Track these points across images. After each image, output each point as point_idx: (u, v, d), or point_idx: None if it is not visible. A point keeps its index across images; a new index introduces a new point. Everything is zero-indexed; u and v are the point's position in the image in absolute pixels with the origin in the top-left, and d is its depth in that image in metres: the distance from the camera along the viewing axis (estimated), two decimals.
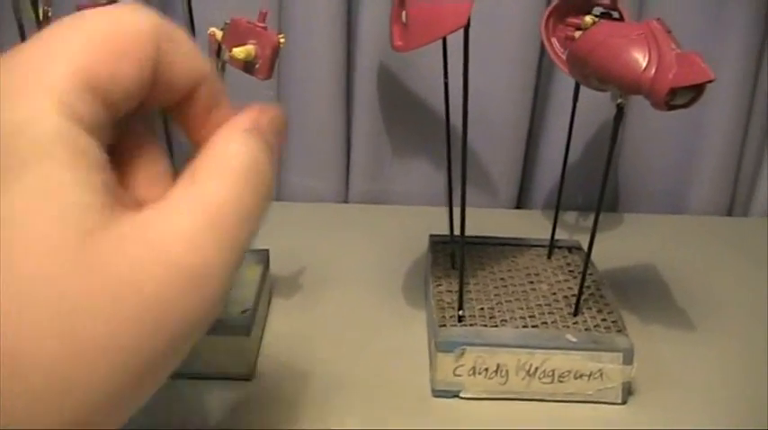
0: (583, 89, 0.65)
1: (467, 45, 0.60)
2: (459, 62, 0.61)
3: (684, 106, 0.54)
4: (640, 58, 0.54)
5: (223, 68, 0.56)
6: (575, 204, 0.92)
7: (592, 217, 0.92)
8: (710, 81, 0.52)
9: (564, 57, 0.68)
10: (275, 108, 0.34)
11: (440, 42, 0.66)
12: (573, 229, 0.88)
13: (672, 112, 0.55)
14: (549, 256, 0.74)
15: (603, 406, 0.61)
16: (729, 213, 0.98)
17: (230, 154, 0.30)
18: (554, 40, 0.68)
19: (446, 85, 0.68)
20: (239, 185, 0.30)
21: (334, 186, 0.96)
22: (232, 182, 0.29)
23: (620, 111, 0.58)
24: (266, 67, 0.54)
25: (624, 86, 0.55)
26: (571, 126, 0.71)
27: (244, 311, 0.63)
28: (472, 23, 0.57)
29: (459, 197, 0.67)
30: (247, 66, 0.54)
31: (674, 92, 0.53)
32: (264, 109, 0.34)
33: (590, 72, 0.57)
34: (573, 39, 0.67)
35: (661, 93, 0.52)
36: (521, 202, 0.98)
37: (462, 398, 0.61)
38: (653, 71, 0.53)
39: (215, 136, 0.31)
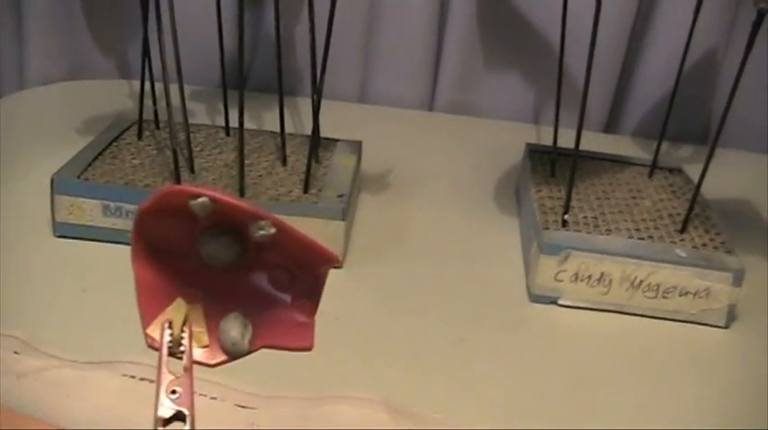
0: (679, 15, 0.63)
1: None
2: None
3: None
4: None
5: None
6: (666, 133, 0.89)
7: (684, 147, 0.90)
8: None
9: None
10: None
11: None
12: (665, 158, 0.84)
13: None
14: (650, 176, 0.71)
15: (705, 328, 0.58)
16: None
17: None
18: None
19: None
20: None
21: (419, 94, 0.94)
22: None
23: (761, 17, 0.55)
24: None
25: None
26: (687, 47, 0.68)
27: (340, 196, 0.60)
28: None
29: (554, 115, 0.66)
30: None
31: None
32: None
33: None
34: None
35: None
36: (609, 127, 0.95)
37: (561, 305, 0.59)
38: None
39: None
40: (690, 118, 0.92)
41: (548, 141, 0.71)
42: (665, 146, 0.88)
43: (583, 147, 0.70)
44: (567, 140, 0.62)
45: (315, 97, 0.62)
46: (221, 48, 0.70)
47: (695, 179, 0.62)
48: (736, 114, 0.92)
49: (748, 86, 0.91)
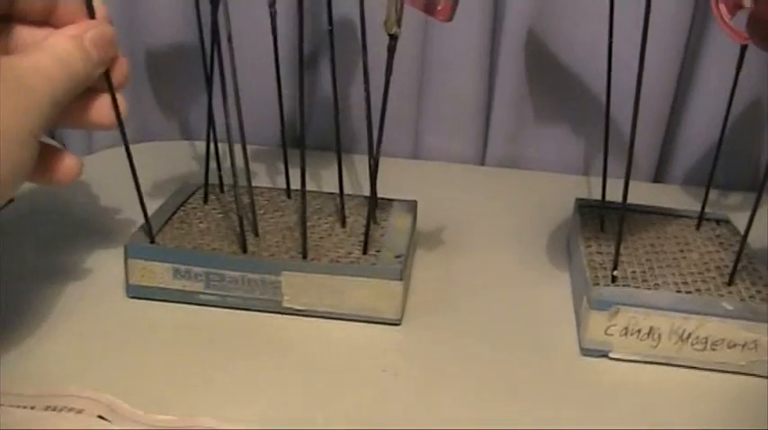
0: (728, 65, 0.66)
1: (612, 14, 0.59)
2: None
3: None
4: None
5: (401, 9, 0.56)
6: (715, 182, 0.90)
7: (732, 195, 0.92)
8: None
9: (731, 24, 0.66)
10: (103, 26, 0.53)
11: (600, 5, 0.66)
12: (713, 207, 0.86)
13: None
14: (697, 227, 0.73)
15: (754, 378, 0.60)
16: None
17: (51, 42, 0.50)
18: (722, 6, 0.67)
19: (610, 45, 0.67)
20: (49, 59, 0.49)
21: (470, 149, 0.96)
22: (45, 55, 0.49)
23: None
24: (449, 8, 0.53)
25: None
26: (731, 97, 0.70)
27: (398, 256, 0.63)
28: None
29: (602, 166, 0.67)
30: (428, 6, 0.54)
31: None
32: (93, 24, 0.53)
33: None
34: (741, 6, 0.66)
35: None
36: (658, 176, 0.97)
37: (611, 358, 0.61)
38: None
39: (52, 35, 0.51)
40: (739, 165, 0.94)
41: (598, 193, 0.73)
42: (714, 194, 0.90)
43: (632, 198, 0.72)
44: (617, 191, 0.64)
45: (371, 163, 0.65)
46: (281, 110, 0.74)
47: (743, 229, 0.64)
48: None
49: None
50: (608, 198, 0.72)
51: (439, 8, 0.54)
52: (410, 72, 0.94)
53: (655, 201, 0.79)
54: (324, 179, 0.84)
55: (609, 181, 0.73)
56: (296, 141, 0.97)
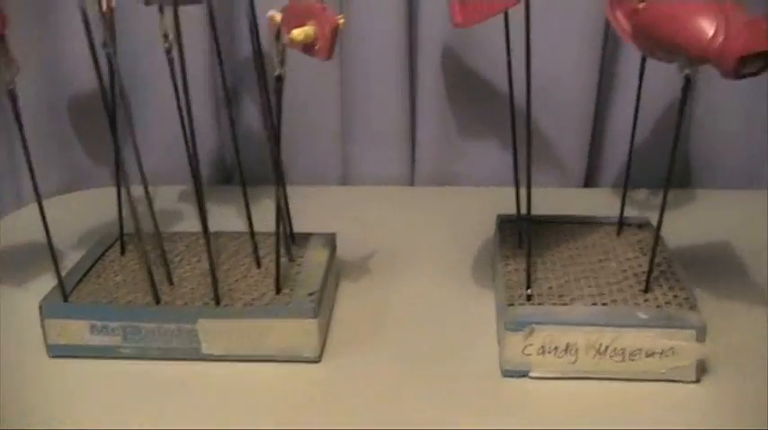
0: (650, 64, 0.64)
1: (528, 21, 0.59)
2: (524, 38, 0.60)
3: (754, 74, 0.52)
4: (707, 26, 0.52)
5: (284, 52, 0.55)
6: (644, 181, 0.90)
7: (662, 194, 0.92)
8: None
9: (629, 30, 0.66)
10: None
11: (503, 20, 0.66)
12: (644, 207, 0.86)
13: (743, 83, 0.53)
14: (618, 234, 0.73)
15: (676, 384, 0.60)
16: None
17: None
18: (619, 13, 0.67)
19: (509, 63, 0.67)
20: None
21: (399, 170, 0.96)
22: None
23: (688, 82, 0.57)
24: (326, 47, 0.53)
25: (691, 56, 0.53)
26: (638, 102, 0.70)
27: (310, 294, 0.63)
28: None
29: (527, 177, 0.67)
30: (307, 47, 0.54)
31: (743, 60, 0.51)
32: None
33: (656, 43, 0.56)
34: (637, 11, 0.66)
35: (729, 61, 0.51)
36: (589, 181, 0.97)
37: (532, 377, 0.61)
38: (720, 39, 0.51)
39: None
40: (666, 163, 0.94)
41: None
42: (644, 194, 0.90)
43: (561, 205, 0.72)
44: (545, 200, 0.63)
45: (278, 203, 0.64)
46: (188, 151, 0.72)
47: (669, 229, 0.63)
48: (713, 153, 0.94)
49: (727, 124, 0.93)
50: (538, 206, 0.71)
51: (317, 48, 0.54)
52: (332, 100, 0.94)
53: (585, 206, 0.79)
54: (256, 215, 0.84)
55: (538, 190, 0.72)
56: (226, 179, 0.97)
